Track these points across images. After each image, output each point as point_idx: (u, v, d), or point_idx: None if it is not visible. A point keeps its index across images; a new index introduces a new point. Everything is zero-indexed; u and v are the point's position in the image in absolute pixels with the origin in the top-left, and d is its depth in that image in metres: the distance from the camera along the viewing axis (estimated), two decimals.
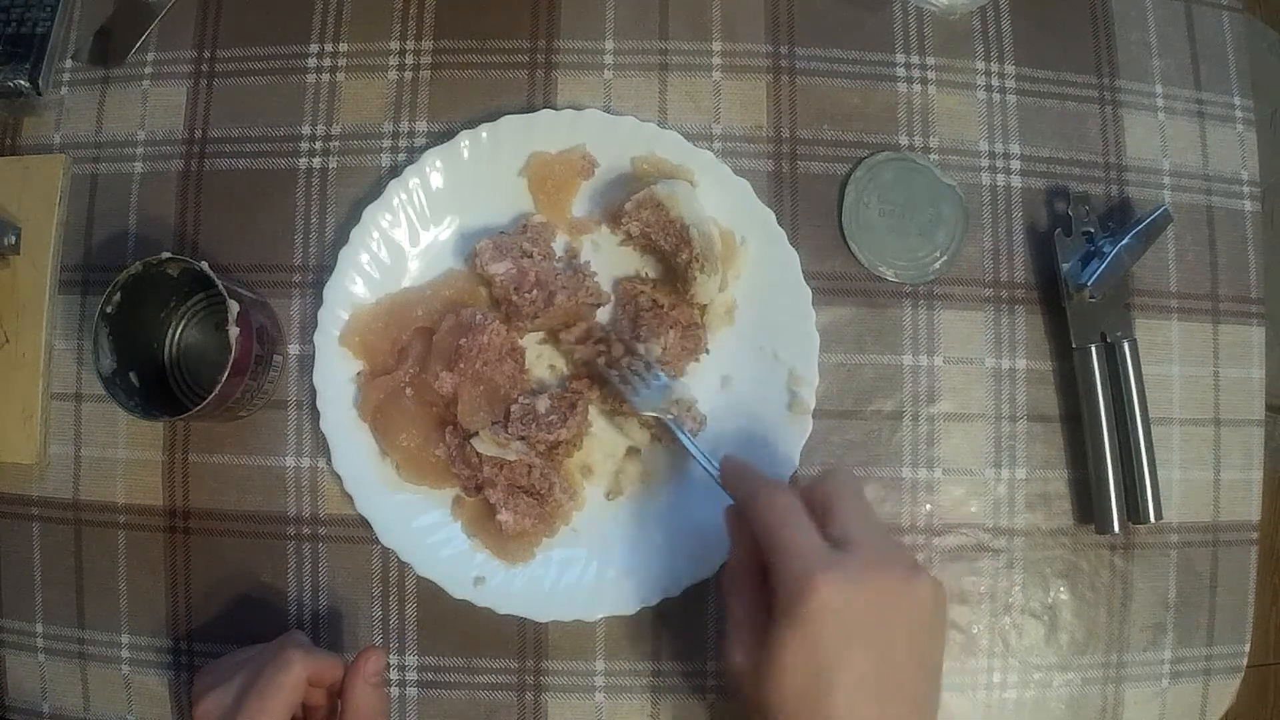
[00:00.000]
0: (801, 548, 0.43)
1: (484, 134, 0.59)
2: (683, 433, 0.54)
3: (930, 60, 0.63)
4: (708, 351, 0.58)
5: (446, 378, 0.55)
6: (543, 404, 0.56)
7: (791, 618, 0.42)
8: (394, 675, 0.59)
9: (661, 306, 0.57)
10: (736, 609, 0.46)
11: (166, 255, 0.53)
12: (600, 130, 0.59)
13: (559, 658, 0.58)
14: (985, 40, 0.63)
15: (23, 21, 0.62)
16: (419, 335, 0.58)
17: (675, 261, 0.57)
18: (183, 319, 0.60)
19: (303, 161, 0.61)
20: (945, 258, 0.61)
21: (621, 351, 0.56)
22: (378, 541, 0.57)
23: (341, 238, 0.59)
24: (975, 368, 0.61)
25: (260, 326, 0.54)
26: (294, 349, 0.60)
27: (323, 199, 0.61)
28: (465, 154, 0.59)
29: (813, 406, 0.57)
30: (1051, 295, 0.61)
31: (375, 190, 0.59)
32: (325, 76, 0.62)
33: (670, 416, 0.55)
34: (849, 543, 0.44)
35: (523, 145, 0.59)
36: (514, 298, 0.56)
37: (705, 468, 0.52)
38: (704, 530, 0.57)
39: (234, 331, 0.51)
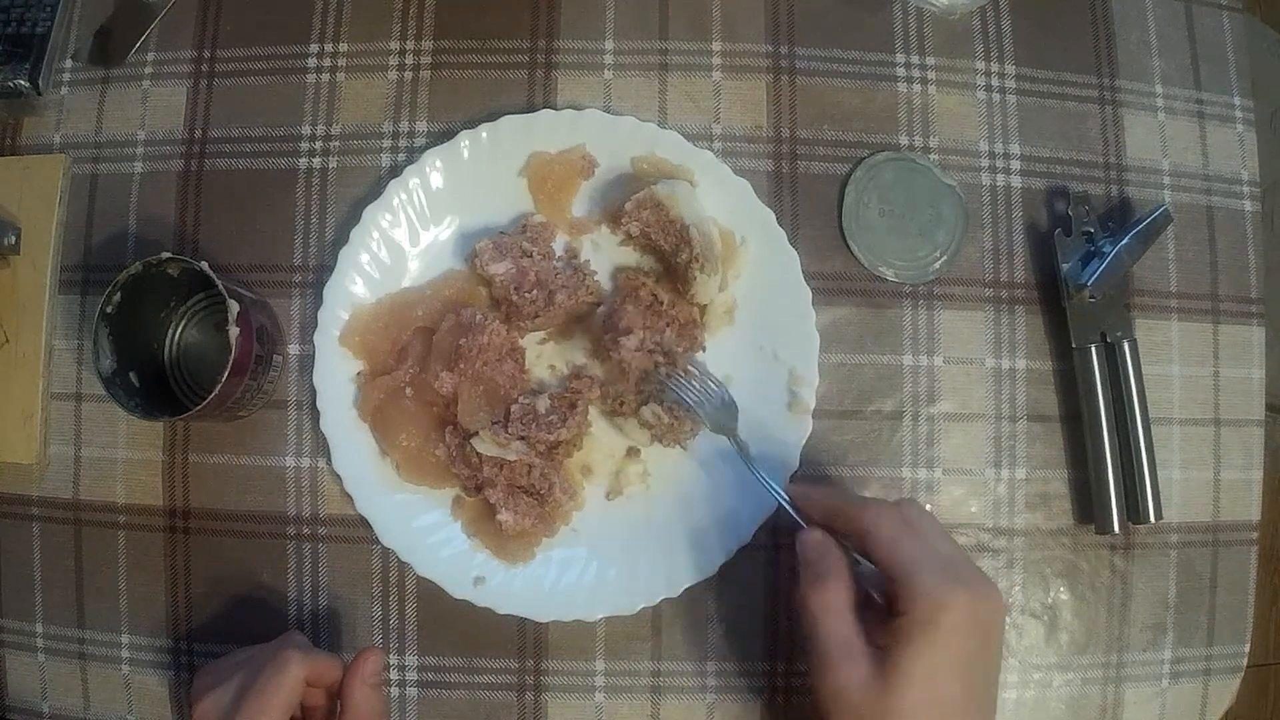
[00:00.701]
0: (932, 565, 0.44)
1: (484, 134, 0.59)
2: (751, 463, 0.54)
3: (930, 60, 0.63)
4: (704, 349, 0.59)
5: (446, 378, 0.55)
6: (543, 404, 0.56)
7: (927, 633, 0.43)
8: (394, 675, 0.59)
9: (662, 303, 0.57)
10: (840, 631, 0.45)
11: (166, 255, 0.53)
12: (600, 130, 0.59)
13: (559, 658, 0.58)
14: (985, 40, 0.63)
15: (23, 21, 0.62)
16: (419, 335, 0.58)
17: (675, 261, 0.57)
18: (183, 319, 0.60)
19: (303, 161, 0.61)
20: (945, 258, 0.61)
21: (685, 365, 0.56)
22: (378, 541, 0.57)
23: (341, 238, 0.59)
24: (975, 368, 0.61)
25: (260, 326, 0.54)
26: (294, 349, 0.60)
27: (323, 199, 0.61)
28: (465, 154, 0.59)
29: (813, 406, 0.57)
30: (1051, 295, 0.61)
31: (375, 190, 0.59)
32: (325, 76, 0.62)
33: (738, 439, 0.55)
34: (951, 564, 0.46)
35: (523, 145, 0.59)
36: (514, 298, 0.56)
37: (776, 496, 0.52)
38: (704, 531, 0.57)
39: (234, 331, 0.51)
